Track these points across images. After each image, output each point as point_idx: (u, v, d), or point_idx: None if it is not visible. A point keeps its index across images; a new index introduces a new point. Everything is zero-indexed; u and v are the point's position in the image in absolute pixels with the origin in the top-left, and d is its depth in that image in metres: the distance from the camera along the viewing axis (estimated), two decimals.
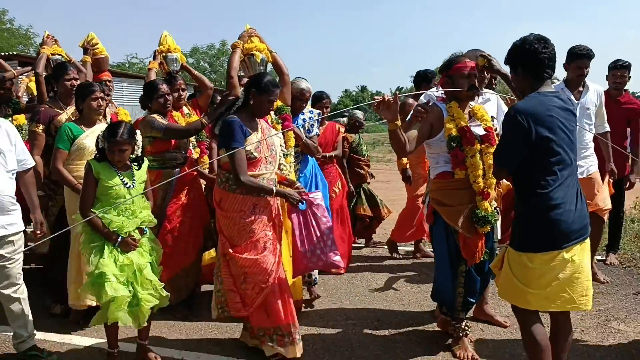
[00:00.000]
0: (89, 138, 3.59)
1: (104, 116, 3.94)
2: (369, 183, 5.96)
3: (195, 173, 4.08)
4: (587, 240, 2.60)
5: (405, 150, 3.01)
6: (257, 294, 3.18)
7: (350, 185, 5.57)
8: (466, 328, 3.31)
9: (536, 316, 2.64)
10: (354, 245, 5.53)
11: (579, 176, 4.27)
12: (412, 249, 5.59)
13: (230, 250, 3.20)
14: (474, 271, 3.22)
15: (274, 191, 3.16)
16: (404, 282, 4.72)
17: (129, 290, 2.95)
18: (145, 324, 3.09)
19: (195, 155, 4.30)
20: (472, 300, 3.30)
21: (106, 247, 2.95)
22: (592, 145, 4.36)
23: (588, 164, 4.34)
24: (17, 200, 3.17)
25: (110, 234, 2.95)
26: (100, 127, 3.67)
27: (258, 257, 3.15)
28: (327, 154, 4.98)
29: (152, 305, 3.04)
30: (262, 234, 3.18)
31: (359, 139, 5.93)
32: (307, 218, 3.29)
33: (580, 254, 2.55)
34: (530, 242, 2.55)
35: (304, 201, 3.25)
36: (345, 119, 6.09)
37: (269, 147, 3.27)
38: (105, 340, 3.23)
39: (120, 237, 2.96)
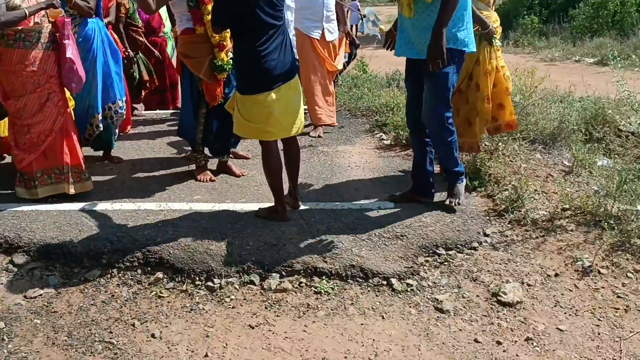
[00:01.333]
0: None
1: None
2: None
3: None
4: (292, 82, 3.12)
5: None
6: (42, 142, 3.50)
7: (130, 51, 5.66)
8: (205, 158, 4.13)
9: (271, 144, 3.18)
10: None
11: (329, 39, 5.15)
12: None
13: (11, 103, 3.41)
14: (213, 114, 3.94)
15: (27, 13, 3.29)
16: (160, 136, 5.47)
17: None
18: None
19: None
20: (210, 138, 4.01)
21: None
22: (333, 10, 5.02)
23: (333, 29, 5.10)
24: None
25: None
26: None
27: (42, 107, 3.44)
28: None
29: None
30: (46, 85, 3.44)
31: (133, 6, 5.90)
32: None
33: (286, 93, 3.08)
34: (248, 86, 3.09)
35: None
36: None
37: None
38: None
39: None
